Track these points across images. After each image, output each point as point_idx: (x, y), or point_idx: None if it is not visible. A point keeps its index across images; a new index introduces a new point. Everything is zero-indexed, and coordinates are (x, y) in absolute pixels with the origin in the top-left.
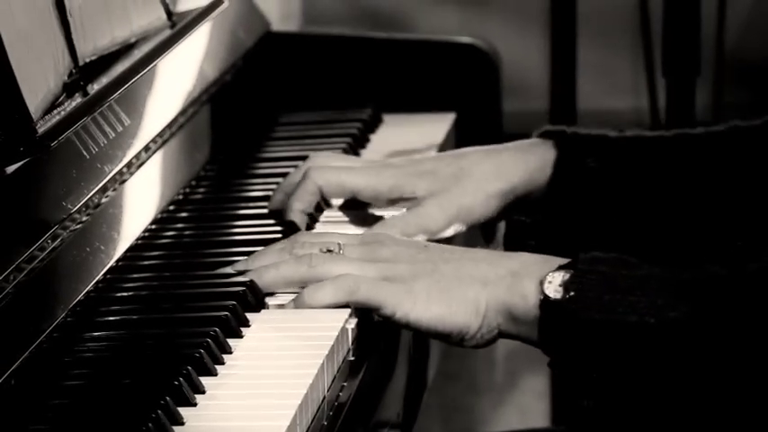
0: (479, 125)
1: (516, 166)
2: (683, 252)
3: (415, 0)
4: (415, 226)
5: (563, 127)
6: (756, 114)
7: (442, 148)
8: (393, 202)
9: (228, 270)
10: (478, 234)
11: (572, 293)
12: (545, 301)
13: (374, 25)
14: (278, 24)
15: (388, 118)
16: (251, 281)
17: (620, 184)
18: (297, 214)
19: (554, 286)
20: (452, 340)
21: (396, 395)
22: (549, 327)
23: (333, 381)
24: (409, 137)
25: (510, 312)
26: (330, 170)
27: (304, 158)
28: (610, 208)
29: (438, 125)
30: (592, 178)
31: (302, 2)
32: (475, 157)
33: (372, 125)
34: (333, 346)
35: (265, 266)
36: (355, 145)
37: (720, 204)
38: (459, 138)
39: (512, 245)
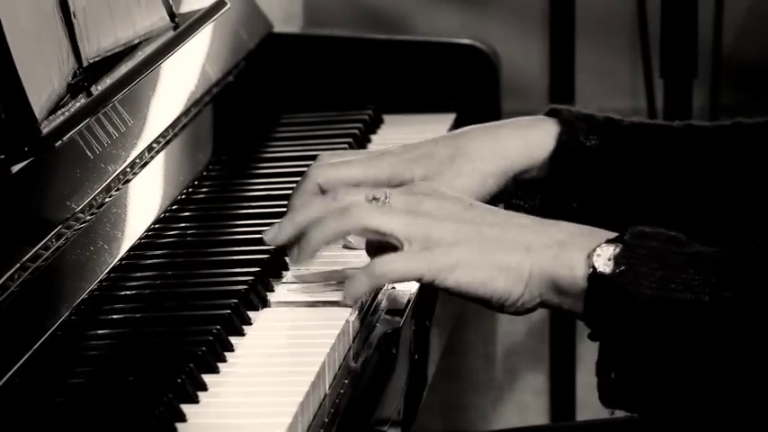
0: None
1: (515, 141)
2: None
3: (416, 2)
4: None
5: (569, 106)
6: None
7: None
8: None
9: (276, 228)
10: None
11: (622, 267)
12: (594, 274)
13: (375, 27)
14: (280, 26)
15: (388, 118)
16: (256, 274)
17: (622, 165)
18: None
19: (603, 259)
20: (492, 305)
21: (396, 393)
22: (597, 300)
23: (334, 378)
24: (410, 137)
25: (554, 282)
26: (328, 167)
27: (306, 158)
28: (611, 188)
29: (438, 125)
30: (594, 155)
31: (304, 3)
32: (471, 134)
33: (373, 125)
34: (334, 344)
35: (308, 227)
36: (356, 145)
37: (720, 195)
38: None
39: None
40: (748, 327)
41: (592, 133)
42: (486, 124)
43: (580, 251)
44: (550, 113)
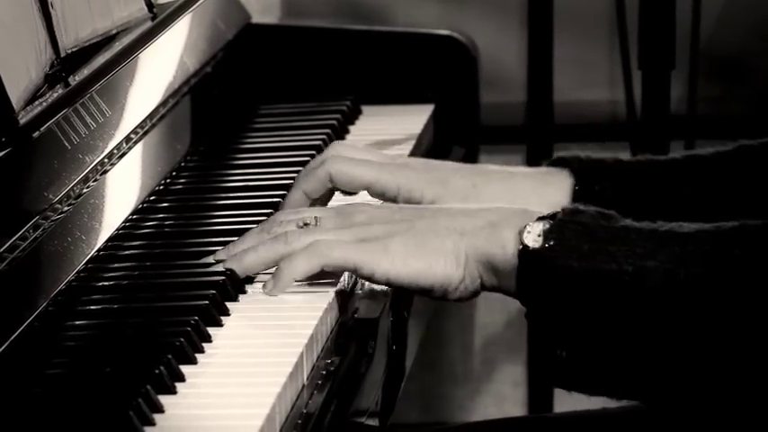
0: (457, 116)
1: (530, 198)
2: None
3: None
4: None
5: (577, 153)
6: (731, 107)
7: (421, 139)
8: (397, 200)
9: (209, 260)
10: None
11: (551, 242)
12: (524, 250)
13: (353, 18)
14: (258, 16)
15: (367, 109)
16: (231, 270)
17: (634, 208)
18: (298, 193)
19: (533, 236)
20: (435, 294)
21: (374, 384)
22: (528, 276)
23: (312, 369)
24: (388, 128)
25: (490, 263)
26: (346, 161)
27: (284, 149)
28: None
29: (417, 116)
30: (609, 205)
31: None
32: (490, 176)
33: (351, 116)
34: (312, 335)
35: (244, 251)
36: (334, 136)
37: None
38: (438, 129)
39: None
40: (670, 295)
41: (604, 180)
42: (506, 169)
43: (511, 229)
44: (558, 163)
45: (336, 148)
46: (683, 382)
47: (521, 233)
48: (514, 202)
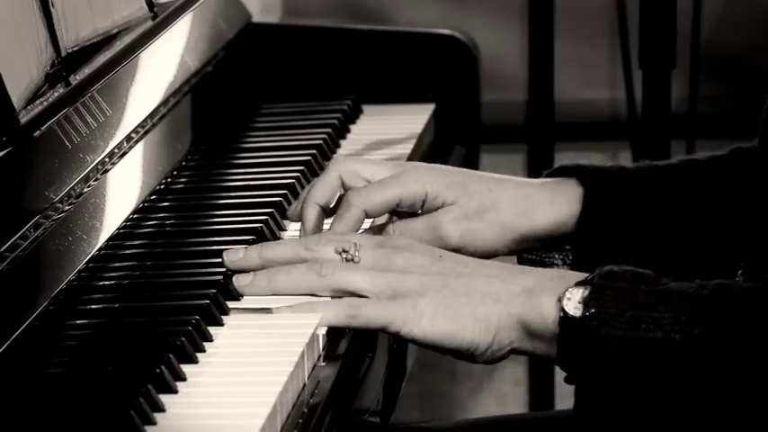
0: (458, 116)
1: (542, 206)
2: (708, 274)
3: None
4: (432, 233)
5: (581, 163)
6: (731, 106)
7: (421, 138)
8: (415, 205)
9: (239, 253)
10: None
11: (592, 310)
12: (564, 319)
13: (354, 17)
14: (258, 16)
15: (368, 108)
16: (227, 271)
17: (640, 215)
18: (312, 206)
19: (573, 303)
20: (461, 356)
21: (375, 383)
22: (569, 344)
23: (313, 368)
24: (389, 127)
25: (526, 329)
26: (369, 191)
27: (284, 148)
28: (634, 239)
29: (417, 115)
30: (617, 212)
31: None
32: (505, 185)
33: (352, 116)
34: (313, 334)
35: (277, 270)
36: (335, 135)
37: (726, 228)
38: (438, 128)
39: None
40: (719, 364)
41: (610, 188)
42: (521, 180)
43: (550, 296)
44: (562, 172)
45: (340, 157)
46: None
47: (560, 300)
48: (527, 209)
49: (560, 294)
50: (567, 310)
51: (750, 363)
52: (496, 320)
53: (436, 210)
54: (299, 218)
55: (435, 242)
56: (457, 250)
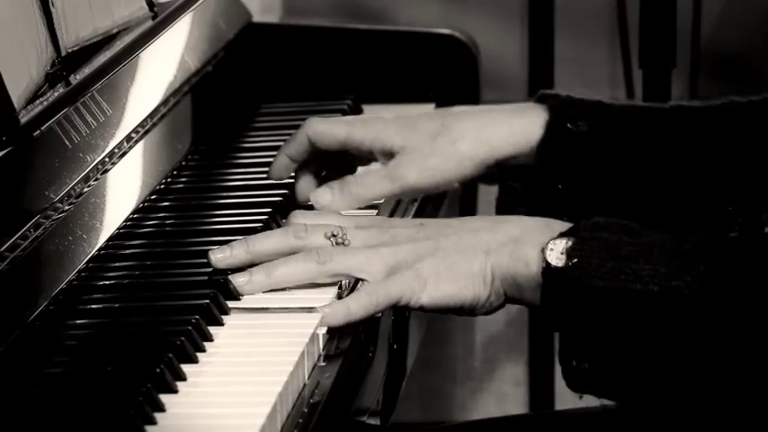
0: None
1: (500, 128)
2: (672, 219)
3: None
4: (370, 185)
5: (559, 91)
6: None
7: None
8: (375, 153)
9: (225, 251)
10: (457, 207)
11: (574, 260)
12: (547, 269)
13: (354, 17)
14: (259, 16)
15: (368, 108)
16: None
17: (611, 149)
18: (283, 158)
19: (556, 253)
20: (464, 312)
21: (375, 383)
22: (552, 294)
23: (313, 368)
24: None
25: (513, 279)
26: (321, 121)
27: None
28: (601, 173)
29: None
30: (583, 141)
31: None
32: (459, 115)
33: (353, 115)
34: (313, 333)
35: (274, 263)
36: None
37: (712, 175)
38: None
39: (503, 210)
40: (696, 316)
41: (580, 119)
42: (476, 107)
43: (534, 246)
44: (540, 100)
45: (313, 117)
46: (708, 396)
47: (543, 250)
48: (483, 134)
49: (544, 245)
50: (549, 260)
51: (727, 316)
52: (490, 272)
53: (392, 155)
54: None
55: (395, 186)
56: (419, 190)
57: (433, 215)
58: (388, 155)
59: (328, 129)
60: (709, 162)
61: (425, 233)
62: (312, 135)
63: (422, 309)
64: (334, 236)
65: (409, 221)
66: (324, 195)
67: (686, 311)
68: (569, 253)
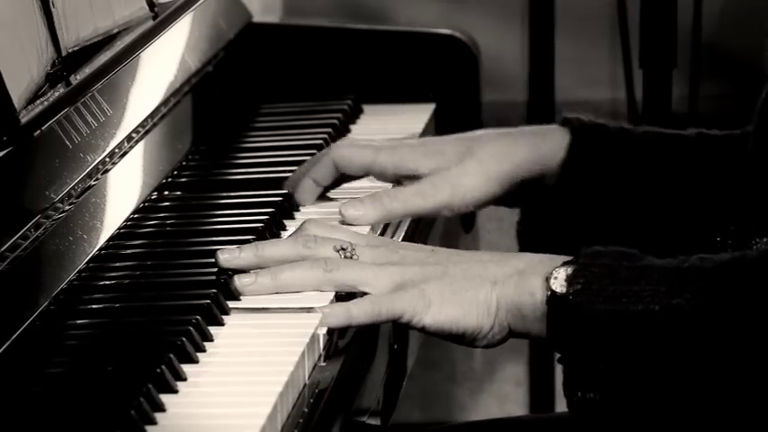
0: (459, 115)
1: (524, 148)
2: (691, 244)
3: None
4: (403, 200)
5: (581, 115)
6: (732, 106)
7: (422, 137)
8: (400, 179)
9: (235, 252)
10: (458, 224)
11: (577, 287)
12: (552, 297)
13: (355, 17)
14: (259, 16)
15: (368, 108)
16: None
17: (632, 175)
18: (308, 182)
19: (559, 281)
20: (465, 341)
21: (376, 382)
22: (557, 321)
23: (313, 368)
24: (389, 127)
25: (519, 310)
26: (347, 146)
27: (285, 148)
28: (620, 198)
29: (418, 115)
30: (604, 166)
31: None
32: (483, 137)
33: (353, 115)
34: (313, 333)
35: (281, 267)
36: (336, 135)
37: (731, 203)
38: (439, 128)
39: (523, 233)
40: (698, 333)
41: (602, 144)
42: (502, 130)
43: (538, 276)
44: (563, 123)
45: (340, 140)
46: (718, 415)
47: (547, 279)
48: (508, 153)
49: (548, 274)
50: (553, 288)
51: (729, 331)
52: (495, 303)
53: (418, 179)
54: (293, 188)
55: (428, 203)
56: (449, 208)
57: (427, 230)
58: (414, 179)
59: (355, 154)
60: (729, 190)
61: (435, 258)
62: (338, 160)
63: (423, 330)
64: (343, 249)
65: (420, 246)
66: (354, 208)
67: (689, 328)
68: (571, 280)
